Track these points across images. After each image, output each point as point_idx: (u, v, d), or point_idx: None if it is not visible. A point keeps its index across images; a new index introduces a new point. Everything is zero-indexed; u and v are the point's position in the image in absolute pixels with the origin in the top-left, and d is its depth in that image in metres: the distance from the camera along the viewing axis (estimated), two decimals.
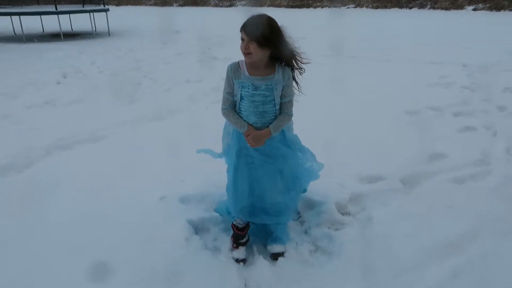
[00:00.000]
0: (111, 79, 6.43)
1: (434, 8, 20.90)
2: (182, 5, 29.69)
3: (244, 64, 2.06)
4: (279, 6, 24.75)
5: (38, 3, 13.52)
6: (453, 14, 18.54)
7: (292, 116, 2.16)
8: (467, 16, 17.25)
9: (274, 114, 2.10)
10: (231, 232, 2.29)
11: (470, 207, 2.62)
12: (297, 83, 2.14)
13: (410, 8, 21.60)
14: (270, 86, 2.03)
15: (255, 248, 2.29)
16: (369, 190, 2.82)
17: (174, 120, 4.38)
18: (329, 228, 2.44)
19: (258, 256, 2.21)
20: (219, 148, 2.37)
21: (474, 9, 19.50)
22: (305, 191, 2.60)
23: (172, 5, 30.14)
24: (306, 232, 2.42)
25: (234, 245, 2.24)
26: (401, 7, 21.92)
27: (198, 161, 3.02)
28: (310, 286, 2.00)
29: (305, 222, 2.50)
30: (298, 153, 2.33)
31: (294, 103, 2.16)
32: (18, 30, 11.15)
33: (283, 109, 2.12)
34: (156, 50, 9.30)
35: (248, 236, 2.30)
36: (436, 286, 1.96)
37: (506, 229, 2.38)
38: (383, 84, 5.80)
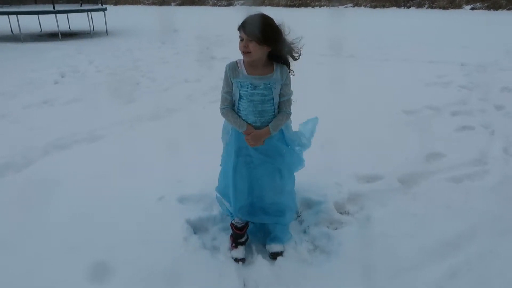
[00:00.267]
0: (109, 78, 6.42)
1: (432, 7, 20.94)
2: (180, 4, 29.66)
3: (242, 63, 2.05)
4: (277, 5, 24.75)
5: (35, 3, 13.47)
6: (451, 13, 18.58)
7: (290, 115, 2.16)
8: (465, 15, 17.29)
9: (273, 113, 2.10)
10: (230, 231, 2.30)
11: (468, 206, 2.63)
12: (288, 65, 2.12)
13: (408, 7, 21.63)
14: (269, 85, 2.04)
15: (254, 248, 2.29)
16: (367, 189, 2.83)
17: (173, 120, 4.38)
18: (327, 227, 2.44)
19: (257, 255, 2.21)
20: (219, 148, 2.36)
21: (472, 9, 19.54)
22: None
23: (170, 4, 30.10)
24: (305, 232, 2.42)
25: (233, 244, 2.24)
26: (399, 6, 21.95)
27: (197, 160, 3.04)
28: (309, 285, 2.00)
29: (304, 222, 2.50)
30: (296, 148, 2.33)
31: (292, 102, 2.16)
32: (15, 29, 11.11)
33: (282, 108, 2.12)
34: (154, 49, 9.29)
35: (247, 236, 2.30)
36: (434, 285, 1.97)
37: (504, 228, 2.39)
38: (381, 84, 5.81)
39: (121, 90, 5.69)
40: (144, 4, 31.61)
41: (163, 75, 6.47)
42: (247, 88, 2.03)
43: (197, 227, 2.44)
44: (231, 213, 2.30)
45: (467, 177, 3.02)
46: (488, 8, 19.07)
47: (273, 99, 2.07)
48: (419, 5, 21.44)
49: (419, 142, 3.54)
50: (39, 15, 12.19)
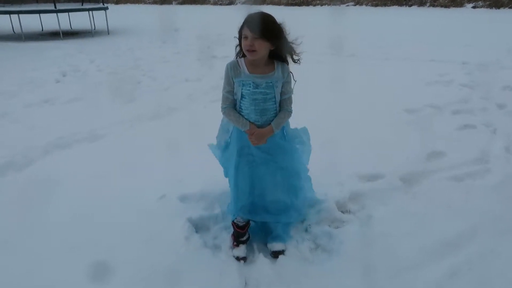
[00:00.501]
0: (110, 77, 6.42)
1: (433, 5, 20.90)
2: (181, 3, 29.64)
3: (243, 62, 2.05)
4: (278, 4, 24.71)
5: (37, 2, 13.48)
6: (453, 11, 18.54)
7: (291, 112, 2.16)
8: (466, 13, 17.25)
9: (275, 112, 2.11)
10: (231, 230, 2.30)
11: (469, 205, 2.62)
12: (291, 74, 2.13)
13: (410, 5, 21.59)
14: (271, 84, 2.04)
15: (255, 246, 2.29)
16: (368, 188, 2.83)
17: (173, 119, 4.38)
18: (329, 226, 2.44)
19: (258, 254, 2.21)
20: None
21: (474, 7, 19.49)
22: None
23: (171, 3, 30.09)
24: (306, 230, 2.42)
25: (235, 243, 2.24)
26: (400, 4, 21.90)
27: (198, 159, 3.03)
28: (310, 284, 2.01)
29: (305, 220, 2.49)
30: (297, 146, 2.34)
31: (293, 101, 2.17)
32: (17, 28, 11.13)
33: (283, 106, 2.13)
34: (155, 48, 9.29)
35: (249, 234, 2.30)
36: (434, 285, 1.97)
37: (505, 228, 2.38)
38: (382, 82, 5.80)
39: (122, 89, 5.70)
40: (145, 3, 31.59)
41: (164, 74, 6.47)
42: (249, 87, 2.03)
43: (198, 226, 2.44)
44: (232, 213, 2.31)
45: (468, 176, 3.02)
46: (490, 6, 19.01)
47: (275, 97, 2.07)
48: (421, 4, 21.40)
49: (420, 141, 3.54)
50: (41, 14, 12.19)
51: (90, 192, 2.84)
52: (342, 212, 2.57)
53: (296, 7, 23.65)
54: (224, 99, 2.12)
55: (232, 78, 2.05)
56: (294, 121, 2.29)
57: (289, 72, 2.10)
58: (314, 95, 4.66)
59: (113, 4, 27.29)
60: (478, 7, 19.38)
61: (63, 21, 11.75)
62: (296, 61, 2.10)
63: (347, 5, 23.31)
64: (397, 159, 3.23)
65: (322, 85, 5.09)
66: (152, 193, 2.74)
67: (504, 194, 2.76)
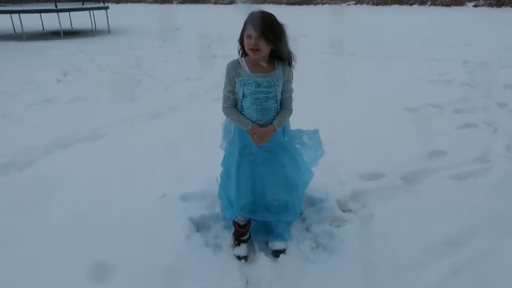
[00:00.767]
0: (111, 77, 6.43)
1: (434, 4, 20.87)
2: (182, 3, 29.64)
3: (244, 61, 2.05)
4: (279, 3, 24.70)
5: (38, 1, 13.51)
6: (454, 10, 18.52)
7: (292, 111, 2.17)
8: (467, 12, 17.23)
9: (276, 110, 2.11)
10: (232, 229, 2.30)
11: (470, 204, 2.62)
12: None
13: (411, 4, 21.57)
14: (272, 83, 2.04)
15: (256, 245, 2.29)
16: (369, 187, 2.83)
17: (174, 118, 4.38)
18: (330, 225, 2.44)
19: (259, 253, 2.21)
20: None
21: (475, 6, 19.46)
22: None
23: (172, 3, 30.09)
24: (307, 229, 2.42)
25: (236, 242, 2.24)
26: (401, 3, 21.89)
27: (199, 158, 3.04)
28: (311, 283, 2.01)
29: (306, 219, 2.50)
30: (297, 145, 2.34)
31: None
32: (18, 28, 11.14)
33: (284, 105, 2.13)
34: (156, 48, 9.29)
35: (250, 233, 2.30)
36: (436, 283, 1.97)
37: (506, 226, 2.38)
38: (383, 81, 5.80)
39: (122, 88, 5.70)
40: (146, 2, 31.60)
41: (164, 74, 6.48)
42: (251, 86, 2.03)
43: (199, 225, 2.44)
44: (229, 212, 2.31)
45: (469, 175, 3.02)
46: (491, 5, 18.99)
47: (276, 96, 2.08)
48: (422, 2, 21.38)
49: (421, 140, 3.53)
50: (41, 14, 12.23)
51: (91, 191, 2.84)
52: (343, 211, 2.57)
53: (297, 6, 23.63)
54: (225, 98, 2.11)
55: (233, 78, 2.05)
56: (295, 120, 2.29)
57: (289, 71, 2.10)
58: (314, 94, 4.66)
59: (113, 4, 27.28)
60: (479, 6, 19.35)
61: (64, 20, 11.76)
62: (293, 63, 2.11)
63: (348, 4, 23.28)
64: (398, 158, 3.23)
65: (323, 84, 5.09)
66: (153, 192, 2.75)
67: (505, 193, 2.76)
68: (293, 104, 2.18)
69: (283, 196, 2.25)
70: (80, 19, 12.99)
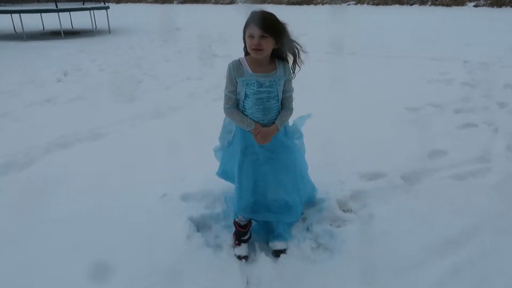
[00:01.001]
0: (111, 77, 6.43)
1: (435, 4, 20.86)
2: (182, 3, 29.65)
3: (245, 61, 2.05)
4: (279, 3, 24.70)
5: (38, 1, 13.51)
6: (454, 10, 18.51)
7: (292, 110, 2.17)
8: (468, 12, 17.22)
9: (277, 110, 2.11)
10: (233, 229, 2.30)
11: (471, 204, 2.62)
12: (293, 71, 2.13)
13: (411, 4, 21.56)
14: (274, 82, 2.04)
15: (257, 245, 2.29)
16: (370, 187, 2.83)
17: (175, 118, 4.38)
18: (330, 225, 2.44)
19: (260, 253, 2.21)
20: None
21: (475, 6, 19.44)
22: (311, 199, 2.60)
23: (172, 3, 30.09)
24: (307, 229, 2.42)
25: (236, 242, 2.24)
26: (402, 3, 21.88)
27: (199, 158, 3.03)
28: (311, 283, 2.00)
29: (307, 219, 2.50)
30: (296, 141, 2.34)
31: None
32: (18, 28, 11.15)
33: (285, 104, 2.13)
34: (156, 47, 9.29)
35: (250, 233, 2.30)
36: (436, 283, 1.97)
37: (506, 226, 2.38)
38: (383, 81, 5.80)
39: (123, 88, 5.70)
40: (146, 2, 31.61)
41: (165, 73, 6.48)
42: (253, 86, 2.02)
43: (200, 225, 2.44)
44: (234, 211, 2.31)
45: (469, 174, 3.01)
46: (492, 5, 18.97)
47: (278, 95, 2.08)
48: (422, 2, 21.36)
49: (422, 139, 3.53)
50: (42, 14, 12.23)
51: (91, 191, 2.84)
52: (344, 211, 2.57)
53: (297, 6, 23.63)
54: (227, 99, 2.11)
55: (235, 78, 2.04)
56: (295, 118, 2.28)
57: (290, 70, 2.10)
58: (315, 93, 4.65)
59: (114, 4, 27.28)
60: (479, 6, 19.33)
61: (64, 20, 11.76)
62: (299, 63, 2.10)
63: (348, 4, 23.28)
64: (398, 157, 3.23)
65: (323, 83, 5.09)
66: (153, 192, 2.75)
67: (505, 192, 2.76)
68: (293, 103, 2.18)
69: (284, 196, 2.25)
70: (80, 19, 12.99)
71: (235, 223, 2.26)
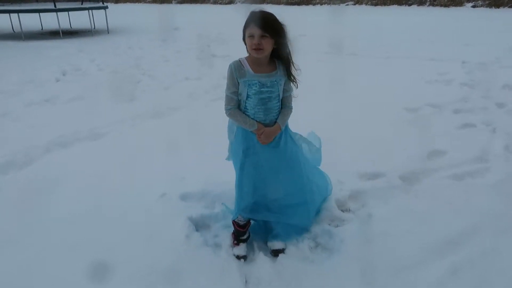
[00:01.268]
0: (110, 76, 6.43)
1: (433, 5, 20.89)
2: (180, 2, 29.63)
3: (246, 61, 2.04)
4: (278, 3, 24.70)
5: (37, 1, 13.51)
6: (452, 11, 18.54)
7: (292, 109, 2.18)
8: (466, 13, 17.26)
9: (278, 110, 2.11)
10: (232, 229, 2.30)
11: (470, 204, 2.62)
12: (294, 78, 2.13)
13: (410, 5, 21.58)
14: (275, 82, 2.04)
15: (255, 245, 2.29)
16: (369, 187, 2.83)
17: (174, 118, 4.38)
18: (329, 224, 2.44)
19: (258, 252, 2.21)
20: (220, 146, 2.36)
21: (474, 6, 19.47)
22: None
23: (171, 3, 30.08)
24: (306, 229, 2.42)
25: (235, 241, 2.25)
26: (400, 4, 21.90)
27: (198, 158, 3.04)
28: (310, 283, 2.01)
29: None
30: (302, 144, 2.34)
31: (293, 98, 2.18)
32: (17, 27, 11.14)
33: (285, 103, 2.14)
34: (155, 47, 9.29)
35: (249, 233, 2.30)
36: (436, 283, 1.97)
37: (505, 226, 2.38)
38: (383, 81, 5.80)
39: (122, 88, 5.70)
40: (145, 2, 31.58)
41: (164, 73, 6.48)
42: (255, 86, 2.02)
43: (199, 225, 2.44)
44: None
45: (468, 174, 3.02)
46: (490, 5, 19.00)
47: (279, 95, 2.08)
48: (420, 3, 21.39)
49: (421, 139, 3.54)
50: (40, 13, 12.21)
51: (90, 190, 2.84)
52: (342, 210, 2.58)
53: (296, 6, 23.64)
54: (228, 100, 2.09)
55: (237, 79, 2.03)
56: (295, 120, 2.29)
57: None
58: (314, 94, 4.65)
59: (112, 4, 27.25)
60: (477, 7, 19.36)
61: (63, 20, 11.76)
62: (292, 78, 2.10)
63: (347, 4, 23.29)
64: (398, 157, 3.23)
65: (323, 83, 5.09)
66: (153, 192, 2.75)
67: (504, 192, 2.76)
68: (292, 103, 2.19)
69: (283, 196, 2.25)
70: (79, 19, 12.97)
71: (234, 223, 2.26)
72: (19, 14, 10.51)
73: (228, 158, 2.32)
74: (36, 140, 3.63)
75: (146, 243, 2.26)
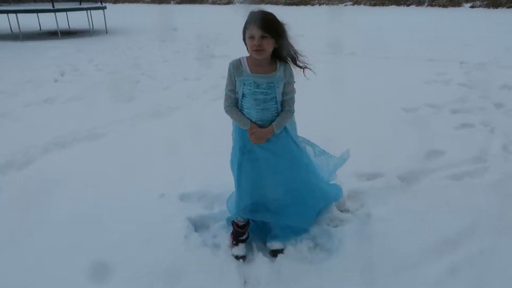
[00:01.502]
0: (109, 77, 6.42)
1: (432, 5, 20.90)
2: (179, 3, 29.61)
3: (245, 61, 2.05)
4: (276, 3, 24.69)
5: (35, 1, 13.48)
6: (451, 11, 18.56)
7: (293, 112, 2.16)
8: (464, 13, 17.27)
9: (276, 111, 2.10)
10: (231, 229, 2.30)
11: (468, 204, 2.63)
12: (304, 65, 2.11)
13: (408, 5, 21.59)
14: (272, 84, 2.03)
15: (254, 245, 2.30)
16: (367, 187, 2.83)
17: (173, 118, 4.38)
18: (328, 225, 2.44)
19: (257, 253, 2.22)
20: (220, 146, 2.36)
21: (472, 6, 19.49)
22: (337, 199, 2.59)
23: (170, 3, 30.05)
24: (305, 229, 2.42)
25: (234, 242, 2.25)
26: (399, 4, 21.90)
27: (197, 158, 3.04)
28: (309, 283, 2.01)
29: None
30: (306, 146, 2.34)
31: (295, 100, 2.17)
32: (15, 28, 11.11)
33: (285, 106, 2.12)
34: (154, 48, 9.29)
35: (248, 233, 2.31)
36: (434, 283, 1.98)
37: (504, 226, 2.39)
38: (381, 81, 5.81)
39: (121, 88, 5.69)
40: (144, 2, 31.56)
41: (163, 74, 6.48)
42: (250, 86, 2.02)
43: (198, 225, 2.44)
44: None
45: (467, 174, 3.03)
46: (488, 6, 19.01)
47: (276, 97, 2.06)
48: (419, 3, 21.40)
49: (419, 139, 3.55)
50: (39, 14, 12.19)
51: (89, 191, 2.84)
52: (341, 211, 2.58)
53: (295, 7, 23.63)
54: (227, 97, 2.11)
55: (234, 77, 2.05)
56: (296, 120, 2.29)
57: (291, 73, 2.08)
58: (313, 94, 4.65)
59: (111, 4, 27.22)
60: (476, 7, 19.37)
61: (61, 20, 11.73)
62: (302, 66, 2.09)
63: (345, 5, 23.31)
64: (396, 157, 3.24)
65: (321, 84, 5.08)
66: (152, 192, 2.75)
67: (502, 192, 2.77)
68: (294, 106, 2.16)
69: (282, 197, 2.24)
70: (77, 19, 12.95)
71: (233, 223, 2.26)
72: (17, 14, 10.50)
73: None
74: (35, 140, 3.63)
75: (145, 243, 2.27)
